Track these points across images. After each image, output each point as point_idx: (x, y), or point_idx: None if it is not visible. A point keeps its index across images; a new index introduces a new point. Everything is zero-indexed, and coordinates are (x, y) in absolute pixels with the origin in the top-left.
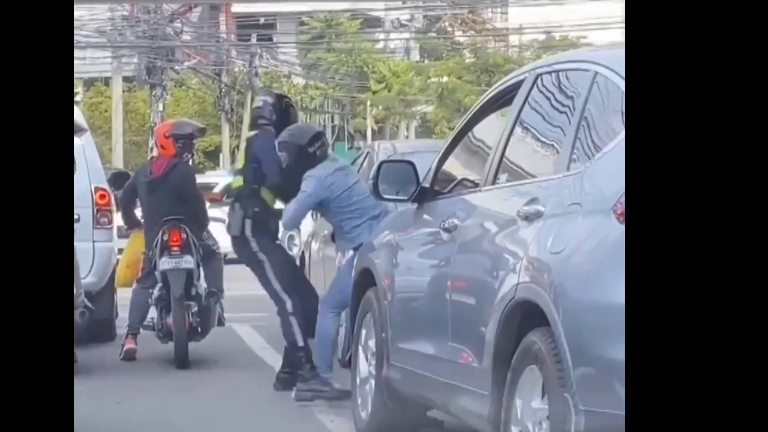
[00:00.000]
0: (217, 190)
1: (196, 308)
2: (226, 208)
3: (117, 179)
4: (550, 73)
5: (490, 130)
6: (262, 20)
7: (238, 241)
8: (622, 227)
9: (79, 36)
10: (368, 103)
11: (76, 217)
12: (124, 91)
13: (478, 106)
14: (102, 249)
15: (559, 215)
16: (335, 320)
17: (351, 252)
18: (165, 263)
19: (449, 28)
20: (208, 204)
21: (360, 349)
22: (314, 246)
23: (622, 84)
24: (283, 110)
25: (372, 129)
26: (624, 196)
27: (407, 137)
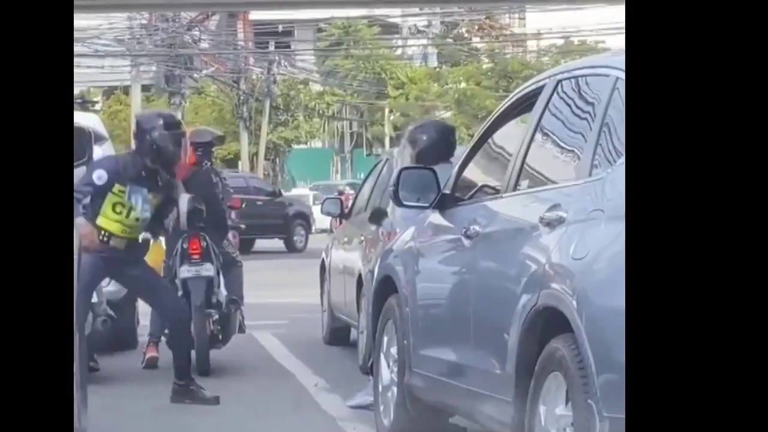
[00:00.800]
0: None
1: (216, 316)
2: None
3: None
4: (570, 78)
5: (510, 136)
6: (280, 27)
7: None
8: None
9: (98, 45)
10: (386, 109)
11: None
12: (143, 100)
13: (498, 113)
14: None
15: (581, 221)
16: None
17: None
18: (185, 271)
19: (467, 34)
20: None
21: (382, 356)
22: (335, 253)
23: None
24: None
25: (390, 136)
26: None
27: None
